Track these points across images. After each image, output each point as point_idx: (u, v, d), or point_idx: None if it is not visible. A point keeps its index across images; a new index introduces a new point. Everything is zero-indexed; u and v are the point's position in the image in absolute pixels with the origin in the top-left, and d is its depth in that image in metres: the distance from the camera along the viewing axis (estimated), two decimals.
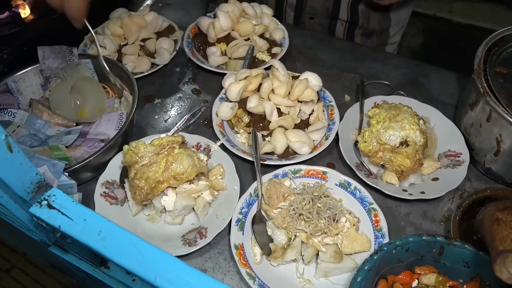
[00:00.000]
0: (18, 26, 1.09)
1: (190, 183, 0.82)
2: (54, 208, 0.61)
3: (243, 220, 0.81)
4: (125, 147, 0.84)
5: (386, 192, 0.85)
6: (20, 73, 1.02)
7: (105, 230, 0.58)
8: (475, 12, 1.77)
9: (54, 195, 0.62)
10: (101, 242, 0.57)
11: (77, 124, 1.00)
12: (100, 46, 1.13)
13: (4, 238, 1.92)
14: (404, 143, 0.87)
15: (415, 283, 0.72)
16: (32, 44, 1.04)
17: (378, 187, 0.85)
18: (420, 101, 1.01)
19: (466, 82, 1.12)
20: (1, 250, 2.20)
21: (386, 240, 0.78)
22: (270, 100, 0.92)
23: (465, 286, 0.71)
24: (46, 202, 0.61)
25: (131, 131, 0.99)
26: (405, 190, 0.86)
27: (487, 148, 0.89)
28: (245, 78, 0.95)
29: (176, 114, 1.06)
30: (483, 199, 0.82)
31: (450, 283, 0.71)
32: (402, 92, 1.09)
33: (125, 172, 0.87)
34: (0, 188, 0.59)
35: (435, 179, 0.89)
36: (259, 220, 0.81)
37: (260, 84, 0.96)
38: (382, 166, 0.90)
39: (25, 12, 1.11)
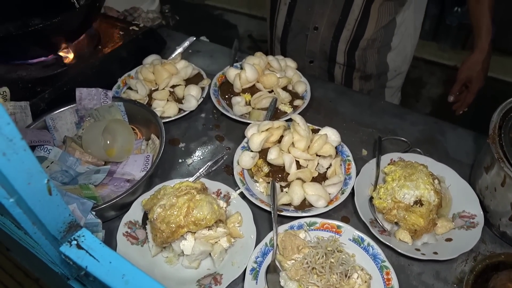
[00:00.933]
0: (60, 68, 1.18)
1: (208, 229, 0.85)
2: (82, 248, 0.65)
3: (258, 269, 0.83)
4: (143, 201, 0.90)
5: (399, 251, 0.86)
6: (57, 111, 1.09)
7: (128, 273, 0.61)
8: (496, 64, 1.80)
9: (83, 236, 0.67)
10: (124, 285, 0.60)
11: (105, 163, 1.06)
12: (132, 89, 1.21)
13: (21, 263, 1.96)
14: (419, 202, 0.89)
15: None
16: (71, 85, 1.12)
17: (391, 245, 0.86)
18: (436, 158, 1.04)
19: (482, 141, 1.14)
20: (16, 273, 2.24)
21: None
22: (289, 152, 0.97)
23: None
24: (75, 242, 0.66)
25: (156, 173, 1.04)
26: (418, 249, 0.88)
27: (501, 212, 0.90)
28: (267, 129, 1.00)
29: (199, 159, 1.11)
30: (497, 264, 0.82)
31: None
32: (418, 150, 1.11)
33: (147, 214, 0.91)
34: (35, 225, 0.64)
35: (449, 239, 0.90)
36: (273, 270, 0.83)
37: (281, 136, 1.01)
38: (396, 223, 0.92)
39: (68, 55, 1.20)
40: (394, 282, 0.81)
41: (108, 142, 1.08)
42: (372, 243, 0.86)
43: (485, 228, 0.92)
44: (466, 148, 1.14)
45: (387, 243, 0.86)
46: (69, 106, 1.10)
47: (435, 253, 0.86)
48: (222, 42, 1.55)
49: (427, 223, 0.88)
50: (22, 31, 1.04)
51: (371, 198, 0.95)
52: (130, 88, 1.23)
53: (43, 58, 1.20)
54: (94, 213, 0.85)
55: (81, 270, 0.69)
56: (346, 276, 0.78)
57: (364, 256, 0.85)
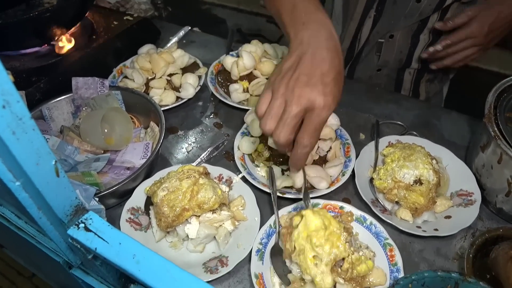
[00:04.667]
0: (55, 58, 1.16)
1: (213, 213, 0.86)
2: (91, 231, 0.65)
3: (263, 250, 0.84)
4: (146, 188, 0.91)
5: (401, 228, 0.88)
6: (53, 101, 1.08)
7: (139, 254, 0.61)
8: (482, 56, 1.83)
9: (91, 219, 0.66)
10: (136, 265, 0.60)
11: (104, 152, 1.05)
12: (129, 78, 1.20)
13: (14, 260, 1.94)
14: (418, 181, 0.91)
15: None
16: (66, 75, 1.11)
17: (393, 223, 0.88)
18: (432, 141, 1.05)
19: (476, 125, 1.17)
20: (8, 272, 2.21)
21: (401, 274, 0.80)
22: None
23: None
24: (83, 225, 0.66)
25: (156, 161, 1.04)
26: (419, 227, 0.89)
27: (498, 189, 0.93)
28: None
29: (198, 146, 1.11)
30: (496, 238, 0.85)
31: None
32: (414, 133, 1.13)
33: (149, 200, 0.91)
34: (41, 210, 0.63)
35: (448, 217, 0.92)
36: (277, 252, 0.84)
37: None
38: (397, 203, 0.93)
39: (62, 45, 1.19)
40: (398, 258, 0.82)
41: (106, 131, 1.08)
42: (375, 221, 0.87)
43: (482, 205, 0.94)
44: (460, 131, 1.17)
45: (389, 222, 0.88)
46: (65, 96, 1.09)
47: (436, 229, 0.88)
48: (214, 35, 1.55)
49: (427, 201, 0.90)
50: (15, 19, 1.02)
51: (371, 179, 0.97)
52: (126, 77, 1.22)
53: (37, 49, 1.19)
54: (97, 199, 0.85)
55: (89, 254, 0.69)
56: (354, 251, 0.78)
57: (367, 235, 0.87)
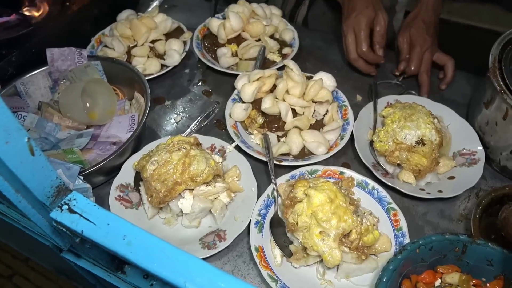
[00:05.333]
0: (26, 28, 1.07)
1: (207, 185, 0.81)
2: (75, 212, 0.60)
3: (262, 222, 0.80)
4: (134, 163, 0.85)
5: (404, 191, 0.84)
6: (28, 75, 1.00)
7: (130, 234, 0.57)
8: (473, 13, 1.76)
9: (74, 199, 0.61)
10: (127, 247, 0.55)
11: (87, 127, 0.99)
12: (109, 47, 1.12)
13: (6, 244, 1.90)
14: (420, 142, 0.87)
15: (437, 283, 0.71)
16: (40, 47, 1.02)
17: (396, 187, 0.84)
18: (432, 100, 1.01)
19: (476, 82, 1.12)
20: (2, 256, 2.17)
21: (407, 239, 0.77)
22: (285, 100, 0.92)
23: (488, 284, 0.70)
24: (67, 206, 0.60)
25: (143, 134, 0.98)
26: (422, 189, 0.86)
27: (502, 146, 0.89)
28: (259, 79, 0.95)
29: (187, 116, 1.05)
30: (502, 197, 0.82)
31: (474, 281, 0.70)
32: (413, 92, 1.08)
33: (139, 176, 0.86)
34: (19, 192, 0.58)
35: (451, 177, 0.89)
36: (276, 222, 0.80)
37: (274, 85, 0.96)
38: (399, 165, 0.90)
39: (33, 14, 1.09)
40: (402, 222, 0.79)
41: (88, 105, 1.01)
42: (377, 186, 0.84)
43: (485, 164, 0.90)
44: (460, 89, 1.12)
45: (392, 185, 0.84)
46: (40, 69, 1.01)
47: (440, 191, 0.85)
48: None
49: (430, 162, 0.86)
50: None
51: (371, 142, 0.92)
52: (106, 46, 1.14)
53: (5, 19, 1.09)
54: (82, 177, 0.80)
55: (76, 237, 0.64)
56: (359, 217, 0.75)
57: (369, 200, 0.83)
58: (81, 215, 0.59)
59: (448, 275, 0.70)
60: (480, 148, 0.92)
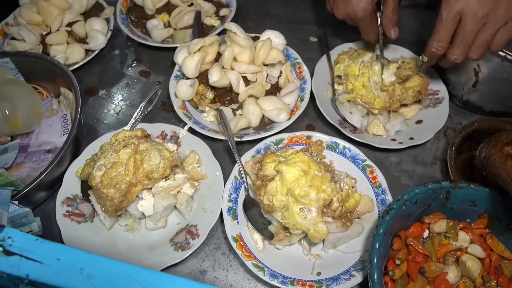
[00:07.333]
0: None
1: (166, 180, 0.72)
2: (14, 253, 0.49)
3: (235, 207, 0.73)
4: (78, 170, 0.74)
5: (377, 146, 0.80)
6: None
7: (87, 265, 0.48)
8: None
9: (9, 238, 0.51)
10: (87, 282, 0.47)
11: (12, 138, 0.85)
12: (17, 39, 0.95)
13: None
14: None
15: (426, 234, 0.69)
16: None
17: (368, 142, 0.79)
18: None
19: (424, 16, 1.08)
20: None
21: (388, 196, 0.74)
22: (233, 69, 0.82)
23: (473, 224, 0.69)
24: (1, 248, 0.49)
25: (81, 134, 0.85)
26: (393, 139, 0.82)
27: (464, 81, 0.86)
28: (200, 49, 0.84)
29: (128, 103, 0.93)
30: (471, 133, 0.80)
31: (461, 225, 0.68)
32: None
33: (86, 184, 0.74)
34: None
35: (419, 121, 0.86)
36: (250, 204, 0.74)
37: (218, 54, 0.85)
38: (367, 114, 0.85)
39: None
40: (381, 178, 0.75)
41: (8, 112, 0.86)
42: (348, 145, 0.79)
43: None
44: (412, 27, 1.07)
45: (363, 141, 0.79)
46: None
47: (411, 138, 0.82)
48: None
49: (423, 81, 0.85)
50: None
51: (333, 99, 0.86)
52: (13, 38, 0.97)
53: None
54: (17, 202, 0.67)
55: (22, 284, 0.54)
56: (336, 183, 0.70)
57: (343, 161, 0.78)
58: (21, 255, 0.48)
59: (435, 224, 0.68)
60: (442, 86, 0.89)
